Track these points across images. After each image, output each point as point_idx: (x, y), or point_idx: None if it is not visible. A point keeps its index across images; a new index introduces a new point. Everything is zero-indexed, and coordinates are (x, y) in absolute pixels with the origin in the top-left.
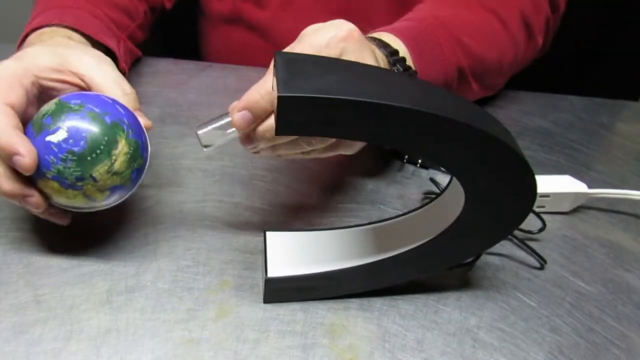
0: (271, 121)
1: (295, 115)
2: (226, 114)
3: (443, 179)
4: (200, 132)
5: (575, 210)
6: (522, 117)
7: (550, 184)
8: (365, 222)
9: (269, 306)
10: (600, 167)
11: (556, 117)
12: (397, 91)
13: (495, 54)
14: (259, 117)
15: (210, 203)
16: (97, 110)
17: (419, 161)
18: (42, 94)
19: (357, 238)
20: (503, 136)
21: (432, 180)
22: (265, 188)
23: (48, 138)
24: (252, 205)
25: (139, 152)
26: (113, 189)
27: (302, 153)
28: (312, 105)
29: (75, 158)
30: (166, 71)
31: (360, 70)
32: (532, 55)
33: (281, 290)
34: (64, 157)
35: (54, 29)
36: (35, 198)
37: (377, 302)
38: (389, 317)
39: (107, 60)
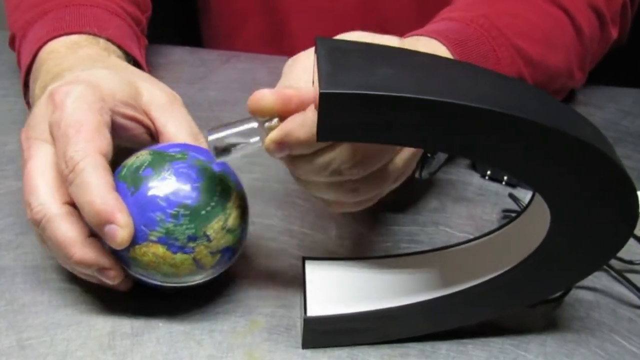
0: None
1: (340, 116)
2: (249, 118)
3: (524, 194)
4: (212, 137)
5: None
6: (621, 119)
7: None
8: (428, 248)
9: (308, 352)
10: None
11: None
12: (466, 86)
13: (561, 55)
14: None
15: None
16: (201, 157)
17: (505, 178)
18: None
19: (417, 268)
20: (598, 142)
21: (512, 196)
22: (305, 207)
23: (152, 192)
24: (288, 227)
25: (246, 207)
26: (224, 252)
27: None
28: (361, 105)
29: (188, 212)
30: (182, 62)
31: (421, 61)
32: (604, 51)
33: (324, 333)
34: (175, 213)
35: (89, 38)
36: (114, 271)
37: (443, 348)
38: None
39: (179, 99)
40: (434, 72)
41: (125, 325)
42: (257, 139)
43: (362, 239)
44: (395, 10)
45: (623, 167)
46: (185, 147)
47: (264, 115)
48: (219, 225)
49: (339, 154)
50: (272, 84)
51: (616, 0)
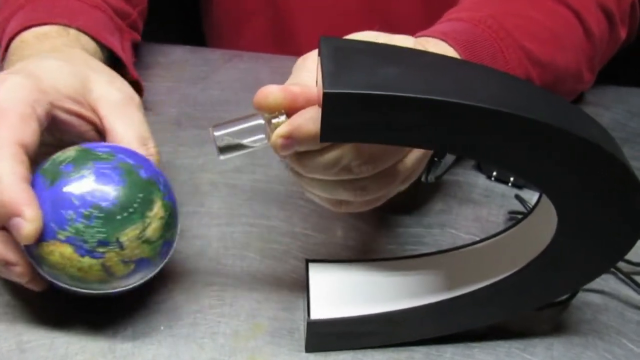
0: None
1: (344, 116)
2: (255, 115)
3: (531, 196)
4: (217, 133)
5: None
6: (629, 119)
7: None
8: (434, 250)
9: (312, 356)
10: None
11: None
12: (472, 86)
13: (570, 55)
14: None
15: (238, 227)
16: (130, 161)
17: (511, 179)
18: (48, 128)
19: (422, 271)
20: (605, 143)
21: (518, 197)
22: (308, 208)
23: (67, 188)
24: (291, 229)
25: (173, 220)
26: (139, 263)
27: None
28: (365, 105)
29: (102, 215)
30: (183, 62)
31: (426, 61)
32: (613, 51)
33: (328, 336)
34: (88, 214)
35: (59, 29)
36: (20, 268)
37: (448, 351)
38: None
39: (136, 100)
40: (439, 72)
41: (126, 328)
42: (262, 135)
43: (367, 241)
44: (399, 10)
45: (631, 168)
46: (116, 148)
47: (270, 111)
48: (134, 234)
49: (349, 150)
50: (274, 83)
51: (625, 0)
